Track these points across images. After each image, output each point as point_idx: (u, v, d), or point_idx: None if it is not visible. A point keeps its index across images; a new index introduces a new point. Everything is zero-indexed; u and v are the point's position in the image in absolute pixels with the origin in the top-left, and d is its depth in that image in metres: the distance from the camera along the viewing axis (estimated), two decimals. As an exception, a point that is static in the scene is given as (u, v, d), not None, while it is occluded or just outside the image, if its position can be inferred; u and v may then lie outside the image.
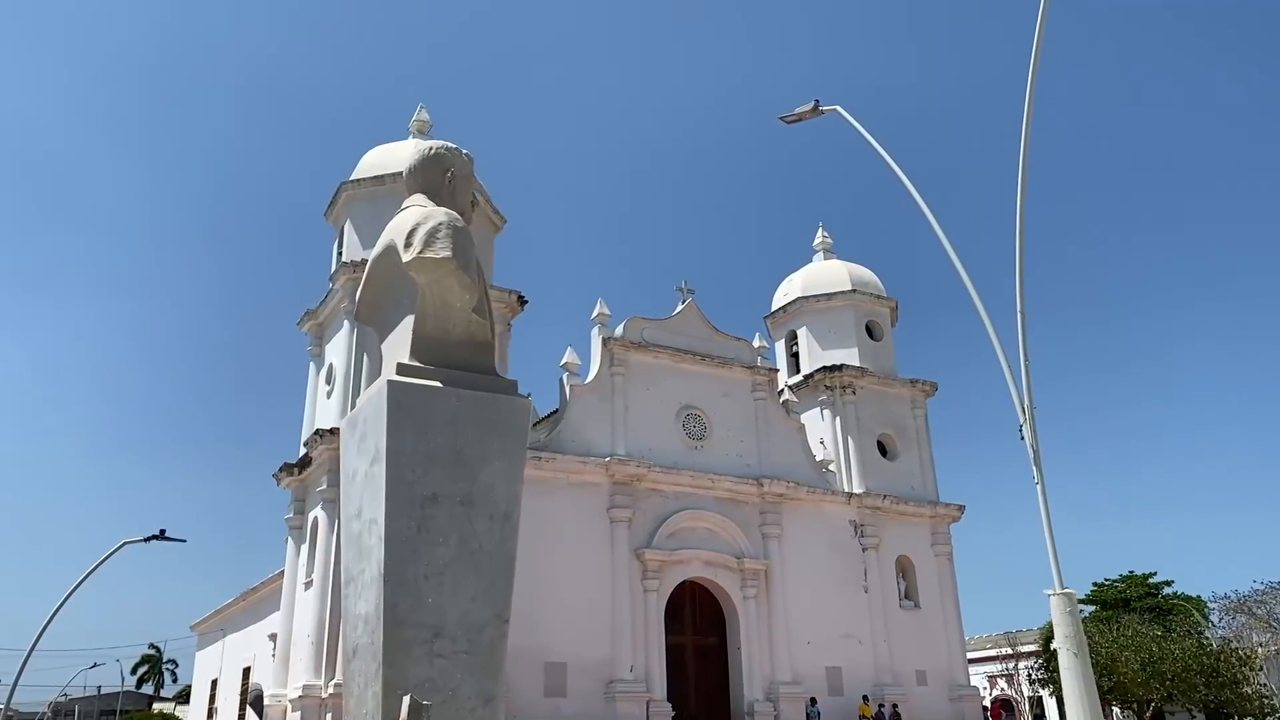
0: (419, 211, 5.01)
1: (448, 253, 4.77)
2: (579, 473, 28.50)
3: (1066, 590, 9.82)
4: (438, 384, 4.75)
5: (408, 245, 4.81)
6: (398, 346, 5.03)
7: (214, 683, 40.95)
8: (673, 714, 27.81)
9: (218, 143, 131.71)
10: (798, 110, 14.54)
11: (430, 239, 4.80)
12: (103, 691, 75.31)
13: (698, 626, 30.29)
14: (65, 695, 67.62)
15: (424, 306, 4.92)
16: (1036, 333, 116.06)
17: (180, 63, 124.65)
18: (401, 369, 4.78)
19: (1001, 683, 52.95)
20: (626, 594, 28.16)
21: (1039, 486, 9.92)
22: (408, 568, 4.45)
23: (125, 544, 25.72)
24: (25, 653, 26.31)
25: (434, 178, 5.37)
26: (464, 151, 5.53)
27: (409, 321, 4.97)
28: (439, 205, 5.25)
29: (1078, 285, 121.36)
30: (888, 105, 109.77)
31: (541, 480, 27.77)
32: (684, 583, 29.84)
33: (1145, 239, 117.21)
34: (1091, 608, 52.37)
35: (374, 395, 4.75)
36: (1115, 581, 53.90)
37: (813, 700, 29.59)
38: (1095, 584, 54.45)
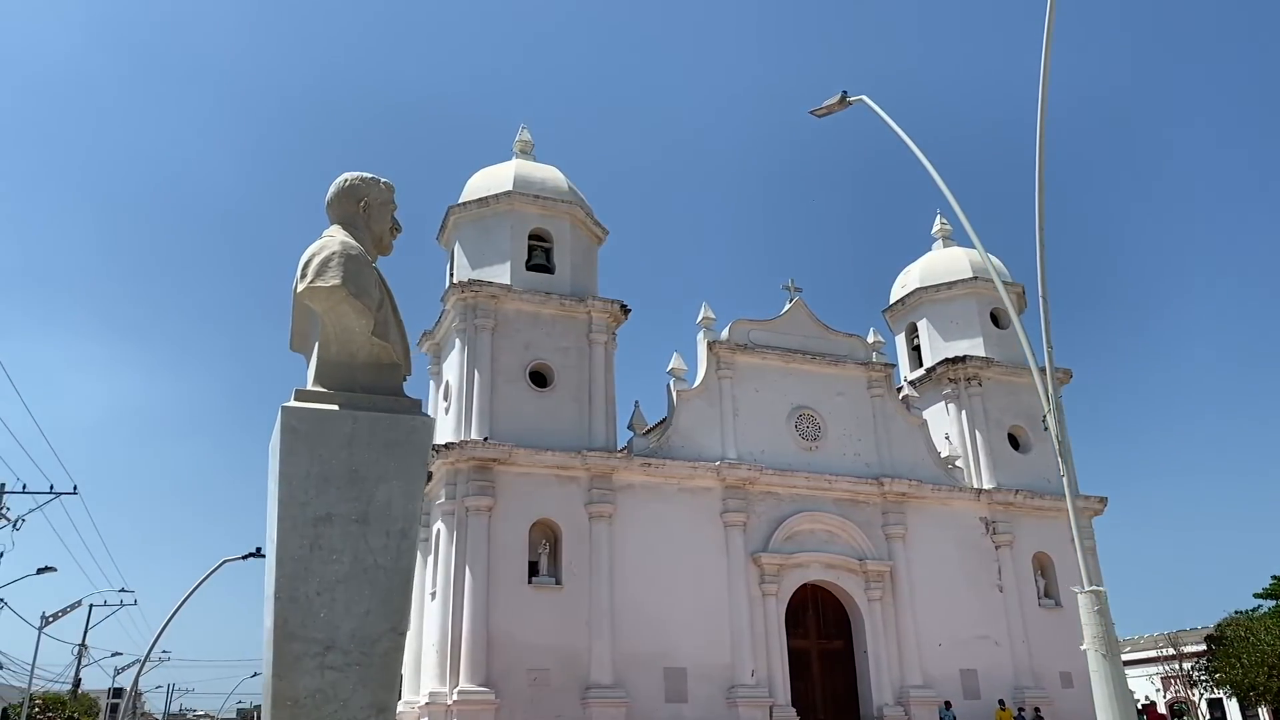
0: (319, 243, 5.23)
1: (337, 280, 4.96)
2: (690, 478, 28.53)
3: (1095, 588, 9.17)
4: (334, 407, 4.95)
5: (302, 276, 5.04)
6: (311, 372, 5.27)
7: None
8: (797, 718, 27.47)
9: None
10: (826, 103, 14.20)
11: (323, 269, 5.01)
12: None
13: (821, 630, 29.79)
14: (249, 703, 72.54)
15: (325, 333, 5.14)
16: (1232, 309, 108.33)
17: (312, 103, 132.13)
18: (299, 394, 5.00)
19: (1176, 685, 49.46)
20: (744, 598, 27.97)
21: (1064, 479, 9.33)
22: (299, 585, 4.65)
23: (224, 562, 27.39)
24: (141, 657, 28.49)
25: (348, 208, 5.57)
26: (381, 180, 5.72)
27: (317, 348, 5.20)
28: (354, 234, 5.46)
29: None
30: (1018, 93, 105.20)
31: (653, 486, 28.04)
32: (805, 586, 29.41)
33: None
34: (1271, 602, 48.43)
35: (277, 421, 4.99)
36: (1299, 573, 49.56)
37: (947, 704, 28.64)
38: (1275, 576, 50.21)
